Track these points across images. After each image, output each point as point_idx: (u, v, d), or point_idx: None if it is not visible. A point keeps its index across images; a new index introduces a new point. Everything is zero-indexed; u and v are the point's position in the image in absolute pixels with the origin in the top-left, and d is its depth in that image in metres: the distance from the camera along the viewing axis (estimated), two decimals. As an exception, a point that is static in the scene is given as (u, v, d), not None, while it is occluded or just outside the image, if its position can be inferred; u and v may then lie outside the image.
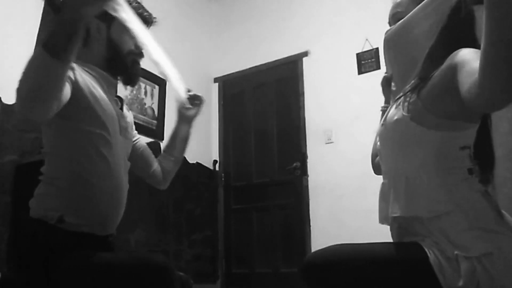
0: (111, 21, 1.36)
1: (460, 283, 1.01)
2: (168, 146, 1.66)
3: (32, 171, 2.19)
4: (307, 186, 3.77)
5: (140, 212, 3.41)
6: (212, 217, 4.14)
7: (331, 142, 3.73)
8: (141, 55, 1.44)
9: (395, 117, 1.18)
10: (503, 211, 1.13)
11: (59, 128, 1.28)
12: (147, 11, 1.45)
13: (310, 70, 3.96)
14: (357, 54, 3.70)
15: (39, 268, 1.19)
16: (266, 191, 4.03)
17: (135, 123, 1.68)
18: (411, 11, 1.19)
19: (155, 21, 1.48)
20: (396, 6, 1.28)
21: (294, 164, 3.84)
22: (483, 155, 1.17)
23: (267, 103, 4.19)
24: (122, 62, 1.40)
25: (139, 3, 1.44)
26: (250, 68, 4.30)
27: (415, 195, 1.13)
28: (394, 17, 1.28)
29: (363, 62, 3.68)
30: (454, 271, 1.02)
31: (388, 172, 1.24)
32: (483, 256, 1.02)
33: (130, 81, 1.45)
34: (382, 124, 1.26)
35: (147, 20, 1.44)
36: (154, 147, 3.61)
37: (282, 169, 3.93)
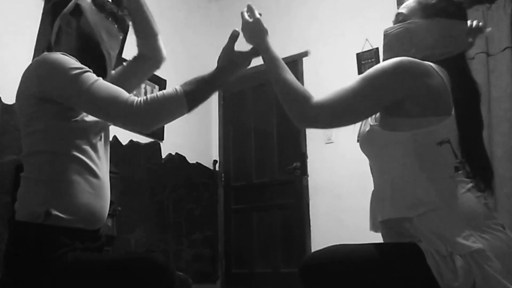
0: (78, 14, 1.38)
1: (457, 283, 1.01)
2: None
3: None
4: (307, 186, 3.77)
5: (140, 212, 3.41)
6: (212, 217, 4.14)
7: (331, 142, 3.73)
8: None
9: (366, 129, 1.26)
10: (491, 207, 1.14)
11: (52, 129, 1.28)
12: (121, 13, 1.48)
13: (310, 70, 3.96)
14: (357, 54, 3.70)
15: (34, 271, 1.19)
16: (266, 191, 4.03)
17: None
18: (415, 16, 1.28)
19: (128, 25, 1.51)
20: (403, 6, 1.33)
21: (294, 164, 3.84)
22: (479, 168, 1.19)
23: (267, 103, 4.19)
24: (96, 50, 1.40)
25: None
26: (250, 68, 4.22)
27: (401, 196, 1.15)
28: (397, 16, 1.33)
29: (363, 62, 3.68)
30: (451, 270, 1.02)
31: (375, 180, 1.28)
32: (476, 253, 1.02)
33: (103, 72, 1.42)
34: (358, 140, 1.32)
35: (108, 4, 1.45)
36: (154, 147, 3.64)
37: (282, 169, 3.93)
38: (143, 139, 3.57)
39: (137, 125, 1.27)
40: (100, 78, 1.26)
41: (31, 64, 1.30)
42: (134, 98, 1.22)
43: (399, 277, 1.06)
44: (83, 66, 1.27)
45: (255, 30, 1.39)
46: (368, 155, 1.30)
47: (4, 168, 2.51)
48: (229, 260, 4.09)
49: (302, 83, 3.91)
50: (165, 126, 3.78)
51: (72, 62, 1.26)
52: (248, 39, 1.40)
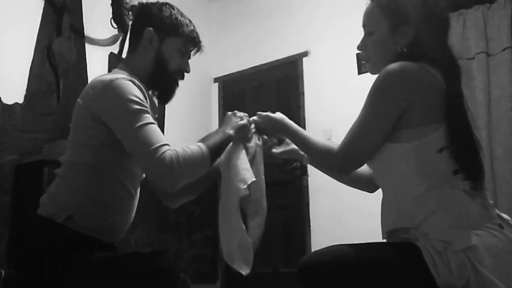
0: (165, 35, 1.38)
1: (452, 279, 1.02)
2: None
3: (32, 171, 2.19)
4: (307, 186, 3.77)
5: (140, 212, 3.39)
6: (212, 217, 4.13)
7: (331, 142, 3.72)
8: (182, 76, 1.45)
9: None
10: (492, 207, 1.14)
11: (104, 147, 1.26)
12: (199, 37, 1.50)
13: (310, 70, 3.96)
14: (357, 54, 3.69)
15: (43, 266, 1.19)
16: (266, 191, 4.01)
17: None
18: (379, 23, 1.26)
19: (203, 47, 1.53)
20: (364, 16, 1.32)
21: (294, 164, 3.83)
22: (469, 164, 1.16)
23: (267, 103, 4.18)
24: (165, 79, 1.39)
25: (194, 27, 1.49)
26: (250, 68, 4.30)
27: (403, 207, 1.15)
28: (363, 28, 1.32)
29: (363, 62, 3.66)
30: (446, 266, 1.03)
31: (382, 189, 1.29)
32: (469, 250, 1.03)
33: (165, 99, 1.42)
34: None
35: (198, 44, 1.48)
36: (154, 147, 3.64)
37: (282, 169, 3.93)
38: (143, 139, 3.56)
39: (164, 186, 1.23)
40: (154, 123, 1.22)
41: (102, 82, 1.24)
42: (167, 154, 1.17)
43: (397, 275, 1.07)
44: (145, 103, 1.23)
45: (276, 125, 1.53)
46: (370, 166, 1.30)
47: (4, 168, 2.50)
48: (229, 260, 4.08)
49: (302, 83, 3.95)
50: (165, 126, 3.78)
51: (137, 93, 1.22)
52: (273, 132, 1.58)
